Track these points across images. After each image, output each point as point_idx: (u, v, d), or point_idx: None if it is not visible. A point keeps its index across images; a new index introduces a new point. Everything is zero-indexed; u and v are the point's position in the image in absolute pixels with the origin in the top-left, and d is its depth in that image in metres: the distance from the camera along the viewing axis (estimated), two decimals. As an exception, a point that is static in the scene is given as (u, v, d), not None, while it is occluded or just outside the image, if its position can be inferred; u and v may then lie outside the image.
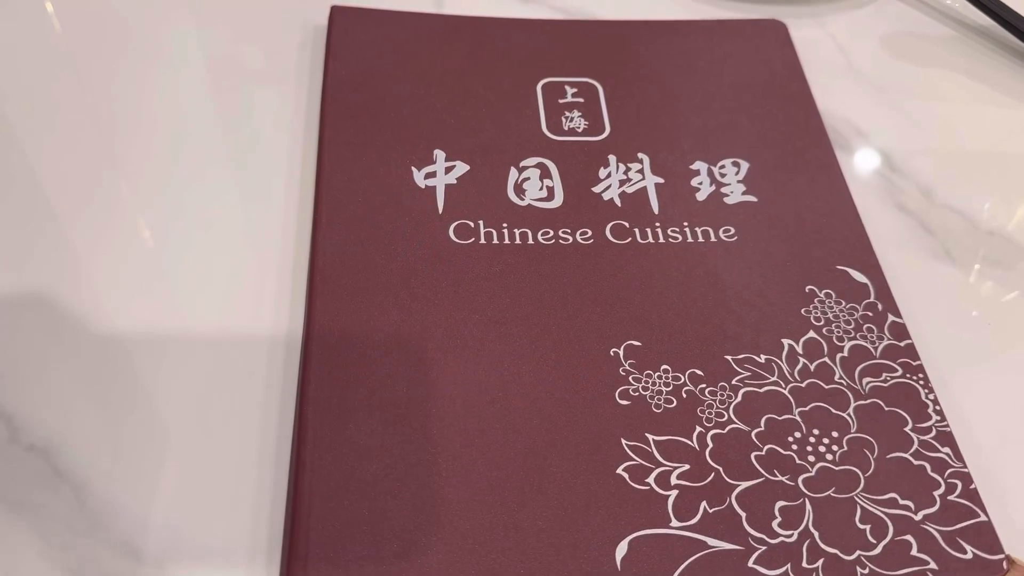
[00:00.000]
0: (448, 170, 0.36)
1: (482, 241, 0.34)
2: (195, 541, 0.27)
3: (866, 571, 0.28)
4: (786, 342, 0.33)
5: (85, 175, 0.37)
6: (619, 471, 0.29)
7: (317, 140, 0.37)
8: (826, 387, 0.32)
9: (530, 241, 0.34)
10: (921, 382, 0.33)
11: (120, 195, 0.36)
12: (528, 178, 0.37)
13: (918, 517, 0.30)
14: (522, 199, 0.36)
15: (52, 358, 0.30)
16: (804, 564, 0.28)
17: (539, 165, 0.37)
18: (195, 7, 0.45)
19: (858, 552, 0.28)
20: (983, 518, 0.30)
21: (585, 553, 0.27)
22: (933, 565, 0.29)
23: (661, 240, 0.35)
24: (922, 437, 0.31)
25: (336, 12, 0.42)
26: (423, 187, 0.36)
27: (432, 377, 0.30)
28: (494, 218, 0.35)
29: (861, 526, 0.29)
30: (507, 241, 0.34)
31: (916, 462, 0.31)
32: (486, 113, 0.39)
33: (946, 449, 0.31)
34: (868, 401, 0.32)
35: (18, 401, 0.29)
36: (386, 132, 0.38)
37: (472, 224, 0.35)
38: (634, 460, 0.29)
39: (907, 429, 0.32)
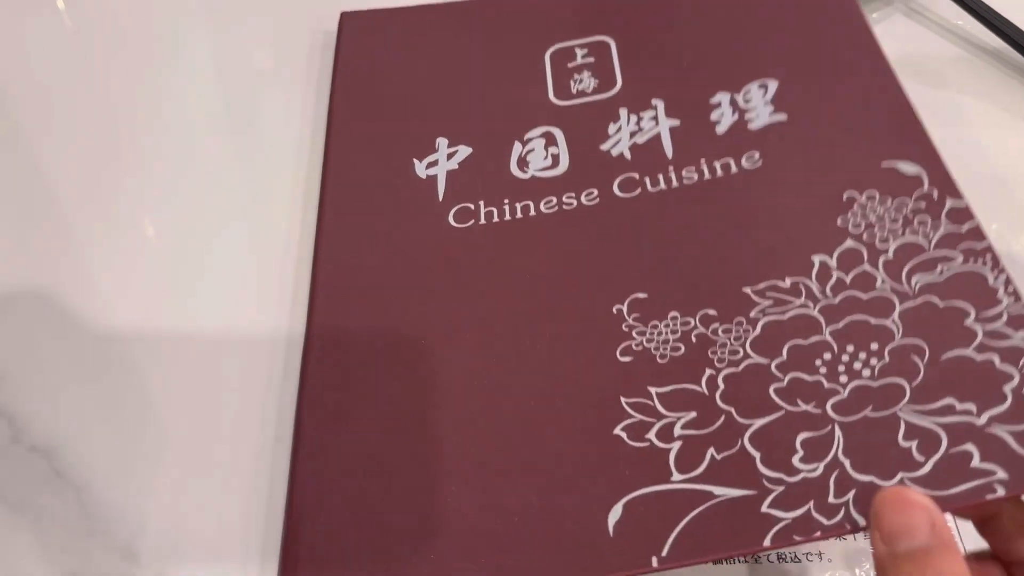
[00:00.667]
0: (450, 156, 0.36)
1: (482, 221, 0.33)
2: (195, 544, 0.27)
3: None
4: (817, 259, 0.29)
5: (91, 174, 0.37)
6: (616, 431, 0.27)
7: (324, 143, 0.38)
8: (865, 297, 0.28)
9: (532, 213, 0.33)
10: (988, 264, 0.27)
11: (126, 195, 0.36)
12: (532, 149, 0.35)
13: (982, 420, 0.24)
14: (525, 172, 0.34)
15: (55, 359, 0.31)
16: (831, 499, 0.24)
17: (544, 134, 0.36)
18: (207, 10, 0.45)
19: (901, 474, 0.24)
20: None
21: (573, 523, 0.25)
22: (1001, 474, 0.23)
23: (675, 184, 0.33)
24: (988, 326, 0.26)
25: (345, 17, 0.43)
26: (424, 177, 0.35)
27: (427, 373, 0.29)
28: (495, 196, 0.34)
29: (905, 444, 0.24)
30: (508, 217, 0.33)
31: (980, 357, 0.25)
32: (491, 91, 0.38)
33: (1022, 333, 0.25)
34: (918, 301, 0.27)
35: (21, 401, 0.30)
36: (390, 128, 0.38)
37: (472, 206, 0.34)
38: (634, 417, 0.27)
39: (969, 322, 0.26)
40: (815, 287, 0.28)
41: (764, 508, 0.24)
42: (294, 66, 0.43)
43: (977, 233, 0.28)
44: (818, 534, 0.23)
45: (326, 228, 0.34)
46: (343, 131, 0.38)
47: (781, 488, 0.24)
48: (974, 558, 0.24)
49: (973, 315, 0.26)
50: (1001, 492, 0.23)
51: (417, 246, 0.33)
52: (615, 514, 0.25)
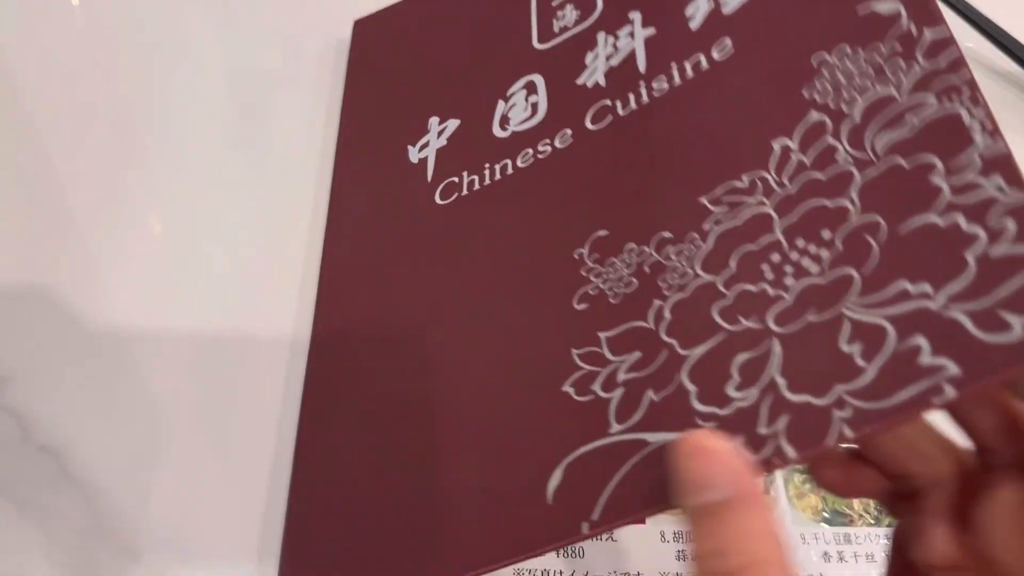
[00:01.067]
0: (440, 133, 0.35)
1: (464, 192, 0.32)
2: (197, 545, 0.27)
3: (847, 414, 0.19)
4: (777, 144, 0.24)
5: (99, 174, 0.36)
6: (565, 388, 0.24)
7: (335, 146, 0.38)
8: (824, 178, 0.23)
9: (509, 171, 0.31)
10: (966, 100, 0.21)
11: (135, 196, 0.36)
12: (514, 105, 0.34)
13: (938, 302, 0.19)
14: (506, 130, 0.33)
15: (64, 359, 0.31)
16: (760, 430, 0.20)
17: (526, 85, 0.34)
18: (223, 16, 0.45)
19: (837, 388, 0.19)
20: None
21: (515, 496, 0.23)
22: (953, 369, 0.18)
23: (644, 100, 0.29)
24: (956, 179, 0.20)
25: (358, 25, 0.43)
26: (416, 161, 0.35)
27: (425, 371, 0.28)
28: (477, 163, 0.33)
29: (847, 348, 0.20)
30: (488, 182, 0.32)
31: (943, 220, 0.20)
32: (477, 57, 0.37)
33: (996, 178, 0.20)
34: (881, 168, 0.22)
35: (30, 401, 0.29)
36: (393, 123, 0.37)
37: (456, 179, 0.33)
38: (583, 369, 0.24)
39: (935, 177, 0.21)
40: (772, 179, 0.24)
41: (693, 451, 0.21)
42: (306, 70, 0.43)
43: (957, 64, 0.22)
44: (745, 473, 0.20)
45: (331, 229, 0.35)
46: (352, 132, 0.38)
47: (713, 425, 0.21)
48: (849, 457, 0.21)
49: (941, 167, 0.21)
50: (951, 393, 0.18)
51: (408, 233, 0.33)
52: (555, 479, 0.23)
